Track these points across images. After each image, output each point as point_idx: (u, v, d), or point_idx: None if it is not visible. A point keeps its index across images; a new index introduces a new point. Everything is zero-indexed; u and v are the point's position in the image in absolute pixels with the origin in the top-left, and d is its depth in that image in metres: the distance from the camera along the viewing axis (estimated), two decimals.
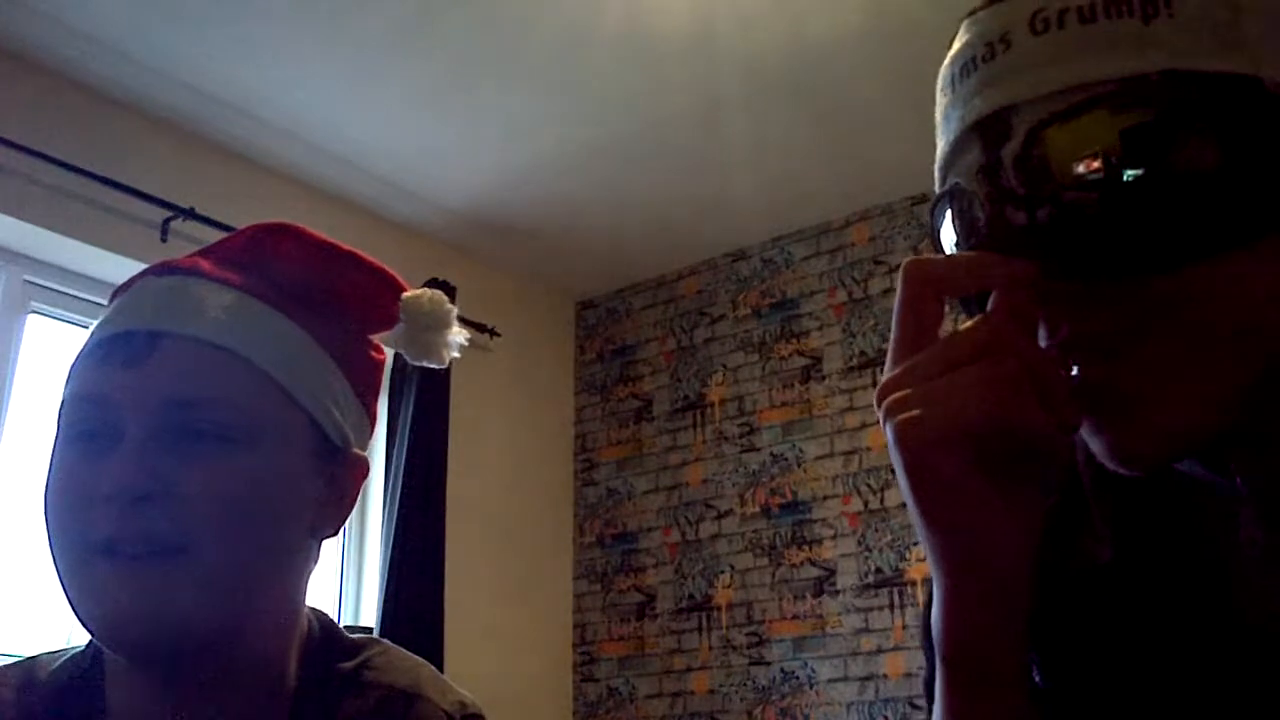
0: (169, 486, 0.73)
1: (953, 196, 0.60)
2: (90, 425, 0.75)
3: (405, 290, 0.89)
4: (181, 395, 0.75)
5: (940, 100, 0.63)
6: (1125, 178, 0.52)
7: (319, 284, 0.85)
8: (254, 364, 0.78)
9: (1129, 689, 0.61)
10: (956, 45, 0.60)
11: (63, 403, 0.78)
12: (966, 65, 0.59)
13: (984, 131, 0.57)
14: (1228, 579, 0.60)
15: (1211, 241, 0.52)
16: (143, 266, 0.86)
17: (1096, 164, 0.52)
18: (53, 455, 0.77)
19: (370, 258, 0.88)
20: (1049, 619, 0.61)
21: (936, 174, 0.63)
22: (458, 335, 0.91)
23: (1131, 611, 0.62)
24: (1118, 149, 0.52)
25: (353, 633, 0.90)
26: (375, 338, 0.91)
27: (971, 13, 0.60)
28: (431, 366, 0.92)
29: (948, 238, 0.63)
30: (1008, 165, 0.55)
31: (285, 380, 0.79)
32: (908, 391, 0.53)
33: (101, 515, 0.72)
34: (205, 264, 0.82)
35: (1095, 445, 0.57)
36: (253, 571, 0.77)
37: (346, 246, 0.87)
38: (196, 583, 0.73)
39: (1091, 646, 0.63)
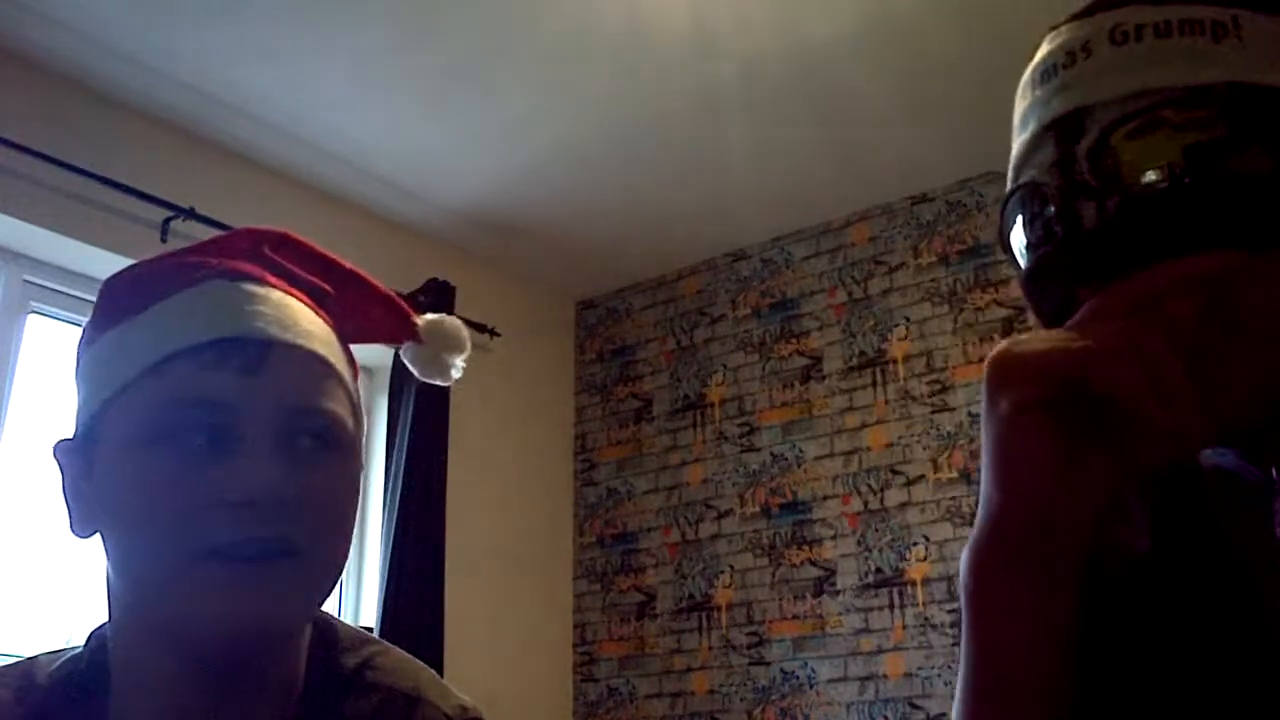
0: (293, 492, 0.74)
1: (1026, 191, 0.63)
2: (203, 430, 0.75)
3: (407, 310, 0.93)
4: (300, 405, 0.77)
5: (1019, 105, 0.67)
6: (1187, 176, 0.56)
7: (332, 299, 0.87)
8: (343, 376, 0.82)
9: (1161, 676, 0.63)
10: (1039, 55, 0.65)
11: (143, 403, 0.75)
12: (1047, 71, 0.63)
13: (1060, 130, 0.61)
14: (1260, 571, 0.61)
15: (1264, 237, 0.56)
16: None
17: (1162, 162, 0.57)
18: (134, 457, 0.75)
19: (372, 278, 0.91)
20: (1093, 606, 0.63)
21: (1010, 174, 0.66)
22: (464, 355, 0.96)
23: (1166, 601, 0.64)
24: (1182, 150, 0.57)
25: (350, 630, 0.90)
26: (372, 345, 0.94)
27: (1054, 26, 0.65)
28: (438, 384, 0.95)
29: (1017, 240, 0.65)
30: (1081, 160, 0.59)
31: (356, 393, 0.84)
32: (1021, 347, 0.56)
33: (227, 519, 0.72)
34: (260, 271, 0.83)
35: None
36: (338, 572, 0.80)
37: (348, 264, 0.90)
38: (305, 584, 0.76)
39: (1125, 633, 0.65)
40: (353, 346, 0.88)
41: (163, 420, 0.75)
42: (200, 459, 0.74)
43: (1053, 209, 0.60)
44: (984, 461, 0.58)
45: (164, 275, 0.82)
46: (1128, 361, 0.52)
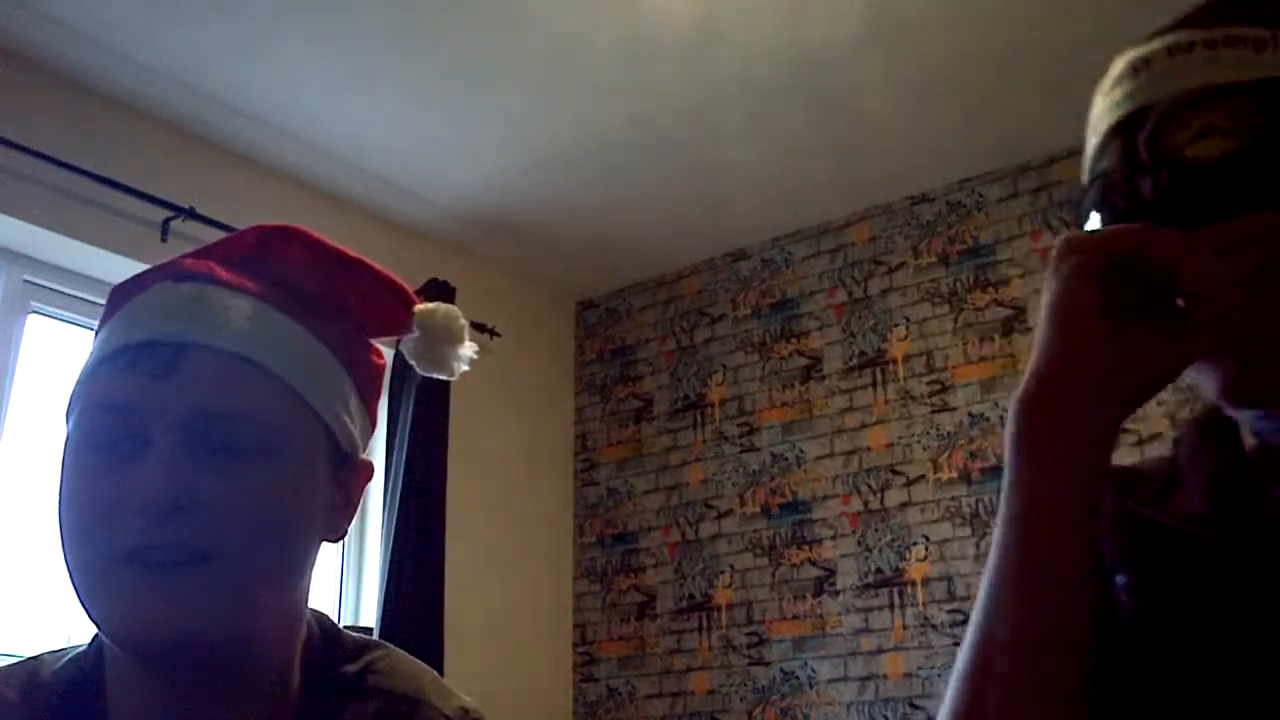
0: (198, 498, 0.73)
1: (1098, 183, 0.73)
2: (112, 434, 0.75)
3: (414, 300, 0.89)
4: (210, 408, 0.75)
5: (1092, 115, 0.78)
6: (1231, 152, 0.66)
7: (329, 291, 0.85)
8: (277, 376, 0.79)
9: (1208, 630, 0.69)
10: (1111, 72, 0.76)
11: (78, 408, 0.77)
12: (1115, 82, 0.75)
13: (1125, 128, 0.72)
14: None
15: None
16: (142, 267, 0.86)
17: (1209, 140, 0.67)
18: (67, 462, 0.76)
19: (379, 266, 0.88)
20: (1144, 553, 0.72)
21: (1085, 175, 0.77)
22: (468, 349, 0.92)
23: (1217, 559, 0.70)
24: (1224, 123, 0.67)
25: (353, 634, 0.90)
26: (377, 341, 0.91)
27: (1123, 51, 0.77)
28: (439, 378, 0.92)
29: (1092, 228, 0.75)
30: (1140, 146, 0.70)
31: (305, 391, 0.80)
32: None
33: (129, 525, 0.72)
34: (219, 269, 0.82)
35: (1213, 381, 0.69)
36: (273, 578, 0.78)
37: (353, 253, 0.87)
38: (222, 590, 0.74)
39: (1180, 584, 0.71)
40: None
41: (84, 426, 0.76)
42: (113, 463, 0.74)
43: (1118, 191, 0.71)
44: (1039, 319, 0.65)
45: (137, 280, 0.83)
46: (1182, 243, 0.61)
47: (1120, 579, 0.73)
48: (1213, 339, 0.62)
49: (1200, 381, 0.70)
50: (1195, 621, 0.70)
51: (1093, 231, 0.66)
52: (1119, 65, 0.75)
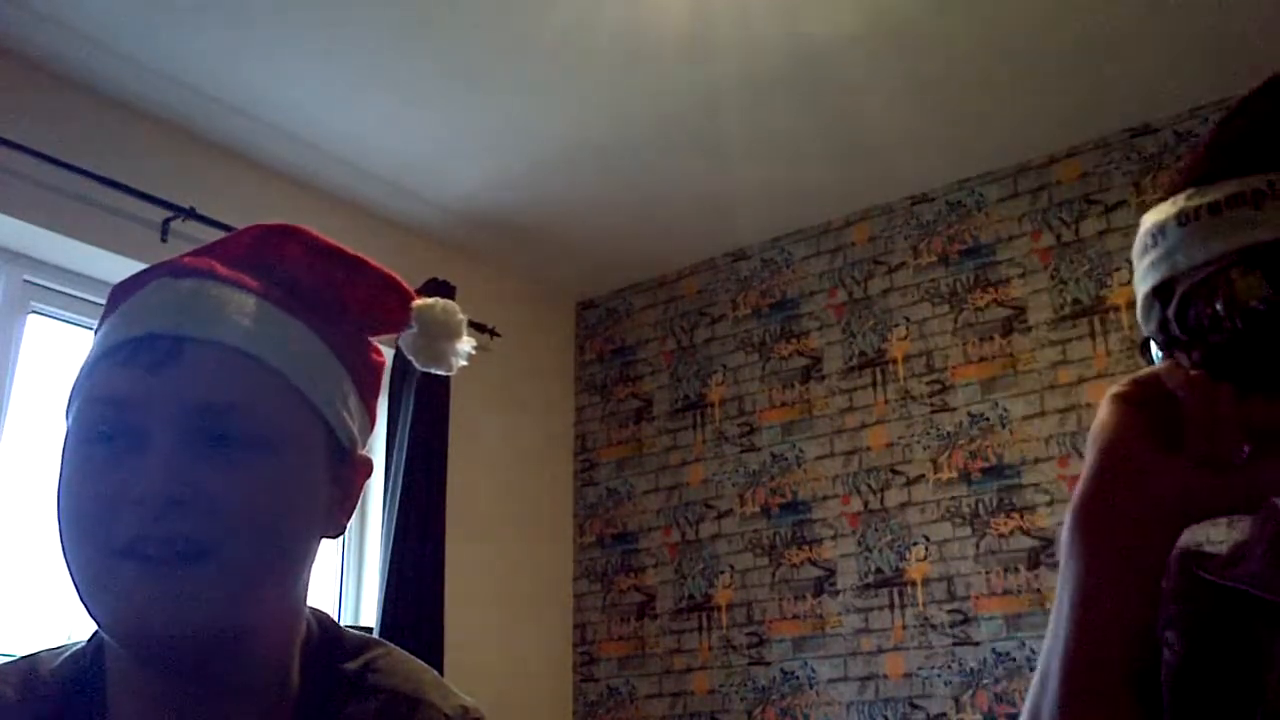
0: (197, 491, 0.73)
1: (1143, 345, 0.82)
2: (111, 427, 0.75)
3: (413, 296, 0.89)
4: (208, 401, 0.75)
5: (1135, 267, 0.84)
6: (1245, 326, 0.72)
7: (328, 288, 0.85)
8: (276, 370, 0.79)
9: (1246, 681, 0.73)
10: (1140, 231, 0.82)
11: (78, 403, 0.78)
12: (1144, 247, 0.80)
13: (1157, 296, 0.78)
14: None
15: None
16: (142, 266, 0.86)
17: (1227, 316, 0.73)
18: (66, 456, 0.77)
19: (377, 263, 0.88)
20: (1198, 612, 0.77)
21: (1139, 323, 0.84)
22: (466, 344, 0.92)
23: (1268, 614, 0.75)
24: (1237, 300, 0.72)
25: (353, 632, 0.90)
26: (377, 340, 0.91)
27: (1147, 209, 0.82)
28: (438, 373, 0.92)
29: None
30: (1171, 321, 0.76)
31: (305, 386, 0.80)
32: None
33: (127, 518, 0.72)
34: (219, 266, 0.82)
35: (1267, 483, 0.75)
36: (272, 574, 0.77)
37: (352, 251, 0.87)
38: (222, 585, 0.74)
39: (1225, 638, 0.75)
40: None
41: (83, 420, 0.76)
42: (112, 457, 0.74)
43: (1164, 355, 0.78)
44: (1088, 442, 0.72)
45: (137, 278, 0.83)
46: (1190, 379, 0.69)
47: (1169, 635, 0.77)
48: (1211, 466, 0.68)
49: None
50: (1236, 673, 0.73)
51: (1133, 374, 0.74)
52: (1144, 226, 0.81)
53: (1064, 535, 0.72)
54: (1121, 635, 0.69)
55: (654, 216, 3.85)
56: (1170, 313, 0.76)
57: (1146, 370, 0.73)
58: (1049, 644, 0.71)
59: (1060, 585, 0.71)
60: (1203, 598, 0.78)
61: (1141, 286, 0.81)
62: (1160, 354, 0.80)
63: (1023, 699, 3.42)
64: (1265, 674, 0.71)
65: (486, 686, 3.25)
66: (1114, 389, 0.73)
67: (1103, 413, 0.72)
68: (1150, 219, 0.81)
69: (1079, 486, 0.72)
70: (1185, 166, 0.80)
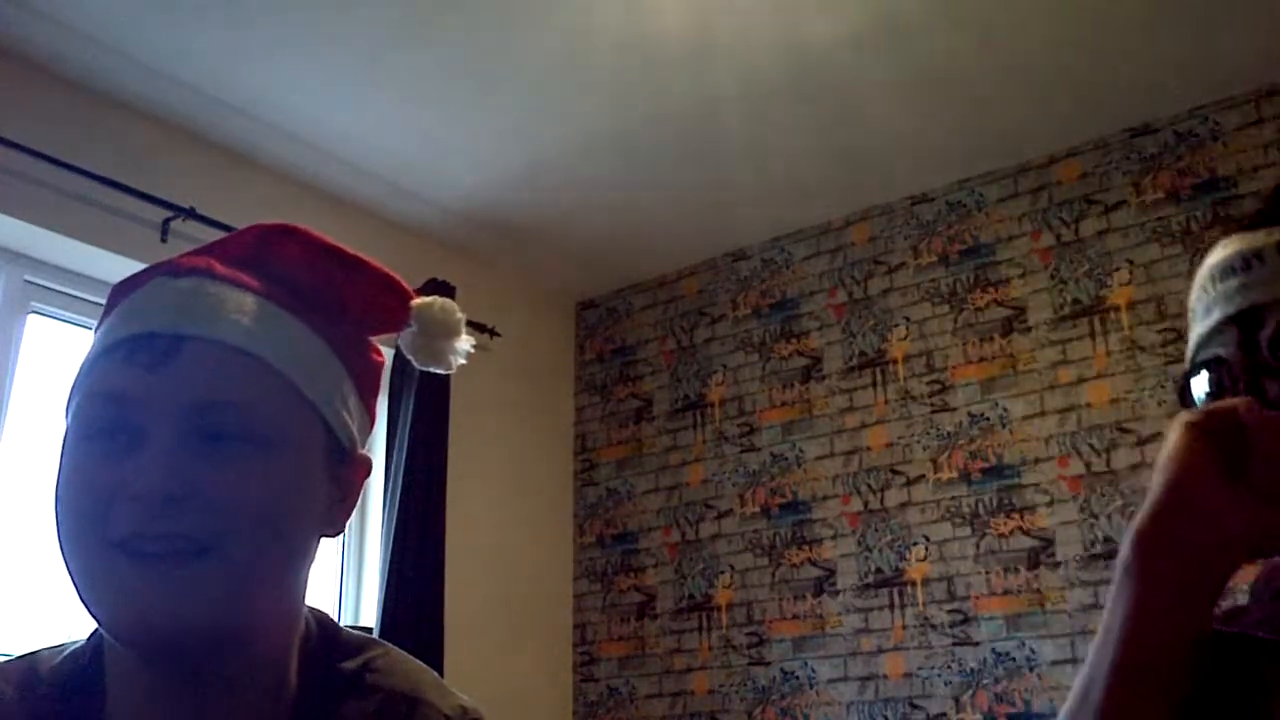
0: (195, 490, 0.73)
1: (1213, 364, 0.80)
2: (110, 425, 0.75)
3: (412, 296, 0.89)
4: (207, 399, 0.76)
5: (1200, 294, 0.83)
6: None
7: (327, 288, 0.85)
8: (275, 369, 0.79)
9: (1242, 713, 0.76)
10: (1217, 256, 0.81)
11: (77, 400, 0.78)
12: (1225, 271, 0.79)
13: (1242, 321, 0.77)
14: None
15: None
16: (142, 266, 0.86)
17: None
18: (65, 453, 0.77)
19: (376, 262, 0.88)
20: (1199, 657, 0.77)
21: (1191, 350, 0.83)
22: (465, 343, 0.92)
23: (1266, 653, 0.77)
24: None
25: (352, 632, 0.90)
26: (376, 339, 0.91)
27: (1226, 234, 0.81)
28: (437, 372, 0.92)
29: (1199, 399, 0.81)
30: (1263, 345, 0.75)
31: (304, 385, 0.81)
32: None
33: (125, 513, 0.72)
34: (218, 265, 0.82)
35: None
36: (272, 572, 0.77)
37: (352, 250, 0.88)
38: (221, 583, 0.74)
39: (1224, 678, 0.77)
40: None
41: (82, 417, 0.76)
42: (111, 454, 0.74)
43: (1241, 384, 0.76)
44: (1156, 466, 0.72)
45: (136, 278, 0.83)
46: (1261, 413, 0.69)
47: None
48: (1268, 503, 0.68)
49: None
50: (1239, 703, 0.75)
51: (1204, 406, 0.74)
52: (1227, 251, 0.79)
53: (1124, 552, 0.72)
54: (1169, 659, 0.69)
55: (654, 216, 3.85)
56: (1265, 337, 0.75)
57: (1224, 403, 0.72)
58: (1094, 656, 0.72)
59: (1113, 600, 0.72)
60: (1204, 644, 0.79)
61: (1217, 309, 0.79)
62: (1205, 393, 0.79)
63: (1022, 699, 3.42)
64: (1272, 703, 0.73)
65: (486, 686, 3.25)
66: (1187, 417, 0.72)
67: (1173, 440, 0.71)
68: (1238, 245, 0.79)
69: (1144, 509, 0.72)
70: (1270, 198, 0.79)
